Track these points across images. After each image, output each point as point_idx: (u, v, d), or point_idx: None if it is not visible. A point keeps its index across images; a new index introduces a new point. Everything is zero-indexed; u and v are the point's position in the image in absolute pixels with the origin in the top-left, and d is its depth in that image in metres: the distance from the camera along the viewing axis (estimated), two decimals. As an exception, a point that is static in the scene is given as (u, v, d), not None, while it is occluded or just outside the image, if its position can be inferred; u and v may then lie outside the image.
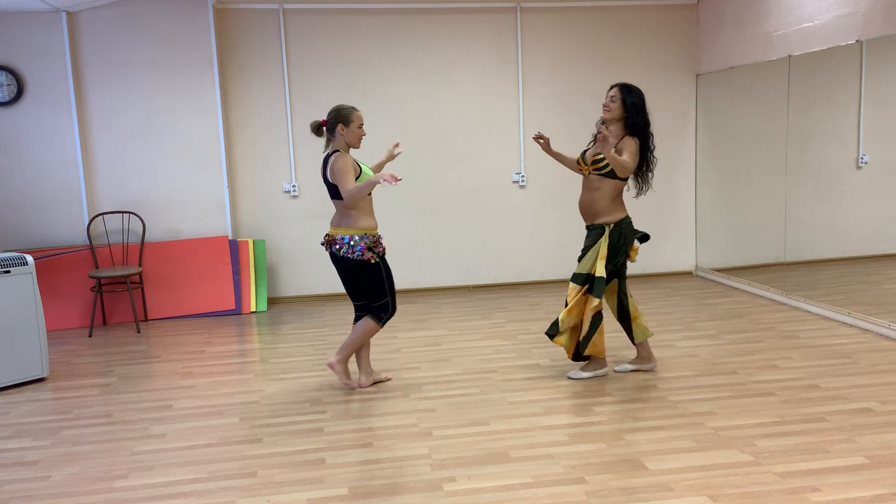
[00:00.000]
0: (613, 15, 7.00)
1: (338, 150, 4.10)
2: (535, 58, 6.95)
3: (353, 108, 4.15)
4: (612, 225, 4.23)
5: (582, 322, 4.30)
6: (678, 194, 7.34)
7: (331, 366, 4.33)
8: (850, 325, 5.32)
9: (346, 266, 4.17)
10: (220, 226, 6.55)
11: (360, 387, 4.36)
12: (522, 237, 7.16)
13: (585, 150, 4.41)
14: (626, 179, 4.28)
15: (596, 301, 4.20)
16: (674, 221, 7.37)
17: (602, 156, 4.21)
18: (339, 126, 4.09)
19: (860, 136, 6.16)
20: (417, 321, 5.95)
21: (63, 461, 3.49)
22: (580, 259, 4.30)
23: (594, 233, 4.27)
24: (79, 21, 6.20)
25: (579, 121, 7.05)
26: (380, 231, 4.41)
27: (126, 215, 6.33)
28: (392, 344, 5.30)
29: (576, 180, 7.07)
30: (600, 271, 4.18)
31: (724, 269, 7.08)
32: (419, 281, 7.07)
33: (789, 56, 5.83)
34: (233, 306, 6.41)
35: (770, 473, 3.08)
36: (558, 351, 4.95)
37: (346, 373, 4.34)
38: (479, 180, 7.03)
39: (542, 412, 3.87)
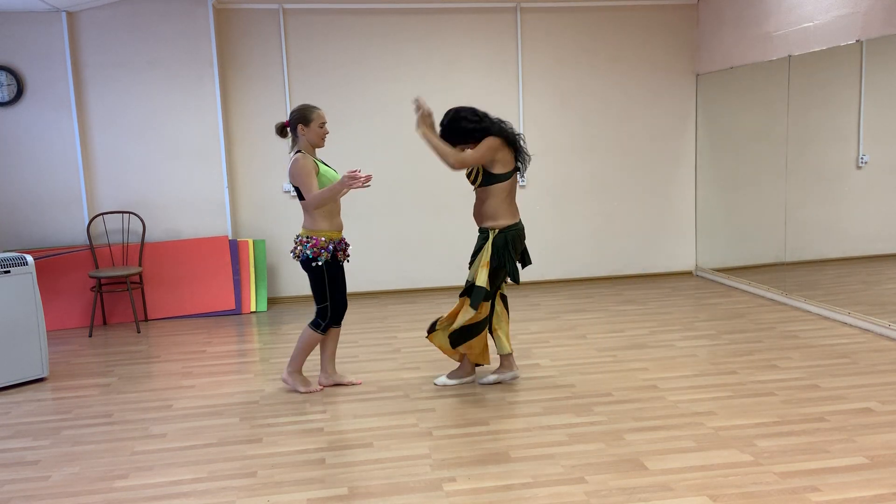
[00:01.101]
0: (613, 15, 7.01)
1: (300, 151, 4.10)
2: (535, 58, 6.95)
3: (314, 107, 4.15)
4: (496, 231, 4.11)
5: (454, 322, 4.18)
6: (678, 194, 7.34)
7: (284, 381, 4.35)
8: (850, 325, 5.32)
9: (302, 266, 4.17)
10: (220, 226, 6.55)
11: (320, 385, 4.37)
12: (522, 237, 7.15)
13: None
14: (510, 176, 4.11)
15: (472, 313, 4.07)
16: (674, 221, 7.37)
17: (469, 171, 4.21)
18: (300, 126, 4.09)
19: (860, 136, 6.16)
20: (417, 321, 5.95)
21: (63, 461, 3.49)
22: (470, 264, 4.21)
23: (480, 237, 4.18)
24: (79, 21, 6.20)
25: (579, 121, 7.07)
26: (346, 236, 4.35)
27: (126, 215, 6.33)
28: (392, 344, 5.30)
29: (575, 181, 7.11)
30: (481, 280, 4.06)
31: (724, 269, 7.08)
32: (419, 281, 7.07)
33: (789, 56, 5.84)
34: (233, 306, 6.41)
35: (770, 473, 3.08)
36: (558, 351, 4.95)
37: (303, 382, 4.33)
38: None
39: (542, 412, 3.87)
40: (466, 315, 4.10)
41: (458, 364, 4.39)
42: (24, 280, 4.64)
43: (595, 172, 7.17)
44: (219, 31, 6.45)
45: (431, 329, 4.32)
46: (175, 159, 6.45)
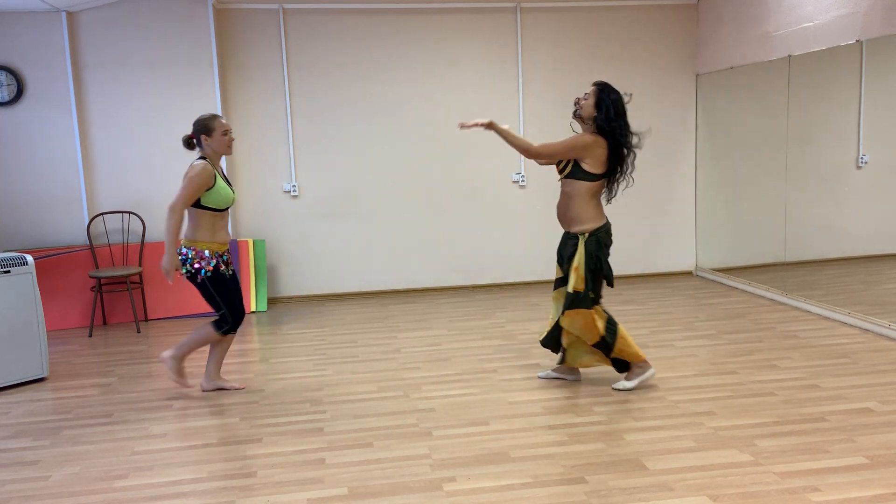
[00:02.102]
0: (613, 15, 7.01)
1: (203, 158, 4.10)
2: (535, 58, 6.95)
3: (216, 115, 4.16)
4: (587, 234, 4.01)
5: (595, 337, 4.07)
6: (678, 194, 7.34)
7: (163, 360, 4.33)
8: (850, 325, 5.32)
9: (187, 278, 4.15)
10: (220, 226, 6.54)
11: (203, 390, 4.38)
12: (522, 237, 7.16)
13: None
14: (599, 178, 4.00)
15: (596, 315, 4.02)
16: (674, 221, 7.37)
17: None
18: (203, 137, 4.11)
19: (860, 136, 6.16)
20: (417, 321, 5.95)
21: (63, 461, 3.49)
22: (561, 267, 4.14)
23: (570, 242, 4.07)
24: (79, 21, 6.20)
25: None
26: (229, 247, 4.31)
27: (126, 215, 6.33)
28: (392, 344, 5.30)
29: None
30: (577, 285, 3.99)
31: (724, 269, 7.08)
32: (419, 281, 7.07)
33: (789, 56, 5.84)
34: (233, 306, 6.41)
35: (770, 473, 3.08)
36: (558, 351, 4.95)
37: (179, 371, 4.32)
38: (479, 180, 7.04)
39: (542, 412, 3.87)
40: (576, 322, 4.02)
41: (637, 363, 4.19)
42: (24, 280, 4.64)
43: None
44: (219, 31, 6.45)
45: (563, 355, 4.21)
46: (175, 159, 6.42)
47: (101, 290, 6.00)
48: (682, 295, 6.57)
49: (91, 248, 6.15)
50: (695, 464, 3.20)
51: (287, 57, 6.63)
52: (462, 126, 4.12)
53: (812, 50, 5.59)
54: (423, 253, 7.04)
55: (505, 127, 4.04)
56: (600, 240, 4.02)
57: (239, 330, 5.91)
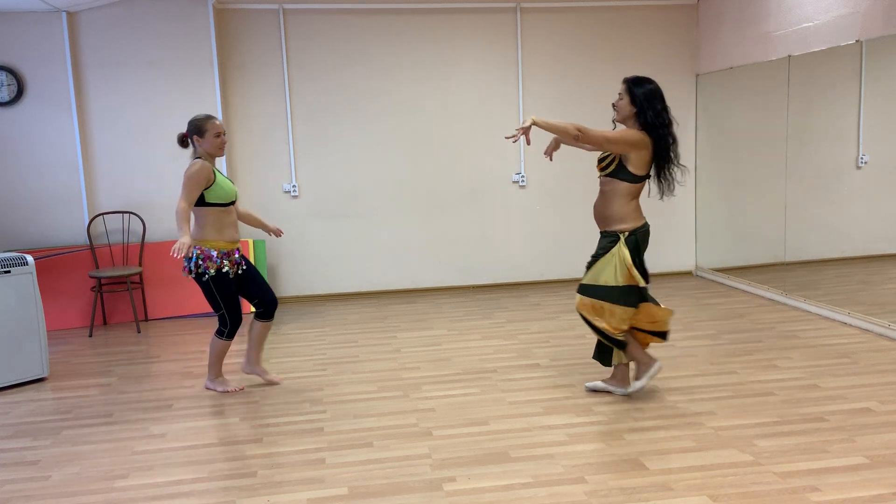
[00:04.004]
0: (613, 15, 7.01)
1: (199, 158, 4.10)
2: (535, 58, 6.95)
3: (209, 117, 4.13)
4: (626, 234, 3.91)
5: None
6: (678, 194, 7.32)
7: (208, 388, 4.43)
8: (850, 325, 5.32)
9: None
10: (220, 226, 6.54)
11: (244, 371, 4.52)
12: (522, 237, 7.16)
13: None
14: (641, 180, 3.92)
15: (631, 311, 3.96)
16: (674, 221, 7.36)
17: (606, 154, 3.97)
18: (195, 138, 4.11)
19: (860, 136, 6.16)
20: (417, 321, 5.95)
21: (63, 461, 3.49)
22: (589, 266, 3.99)
23: (606, 240, 3.95)
24: (79, 21, 6.20)
25: (579, 120, 7.05)
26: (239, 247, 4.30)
27: (126, 215, 6.33)
28: (392, 344, 5.30)
29: (575, 181, 7.09)
30: (638, 280, 3.91)
31: (724, 269, 7.08)
32: (419, 281, 7.07)
33: (789, 56, 5.84)
34: (233, 306, 6.41)
35: (770, 473, 3.08)
36: (558, 351, 4.95)
37: (222, 383, 4.41)
38: (479, 180, 7.04)
39: (542, 412, 3.87)
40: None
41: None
42: (25, 280, 4.64)
43: (595, 172, 7.14)
44: (219, 31, 6.45)
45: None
46: (175, 159, 6.43)
47: (101, 290, 6.00)
48: (682, 295, 6.57)
49: (91, 248, 6.15)
50: (695, 464, 3.20)
51: (287, 57, 6.63)
52: (513, 139, 3.96)
53: (812, 50, 5.59)
54: (423, 253, 7.04)
55: (551, 120, 3.88)
56: (638, 239, 3.93)
57: (239, 330, 5.92)
